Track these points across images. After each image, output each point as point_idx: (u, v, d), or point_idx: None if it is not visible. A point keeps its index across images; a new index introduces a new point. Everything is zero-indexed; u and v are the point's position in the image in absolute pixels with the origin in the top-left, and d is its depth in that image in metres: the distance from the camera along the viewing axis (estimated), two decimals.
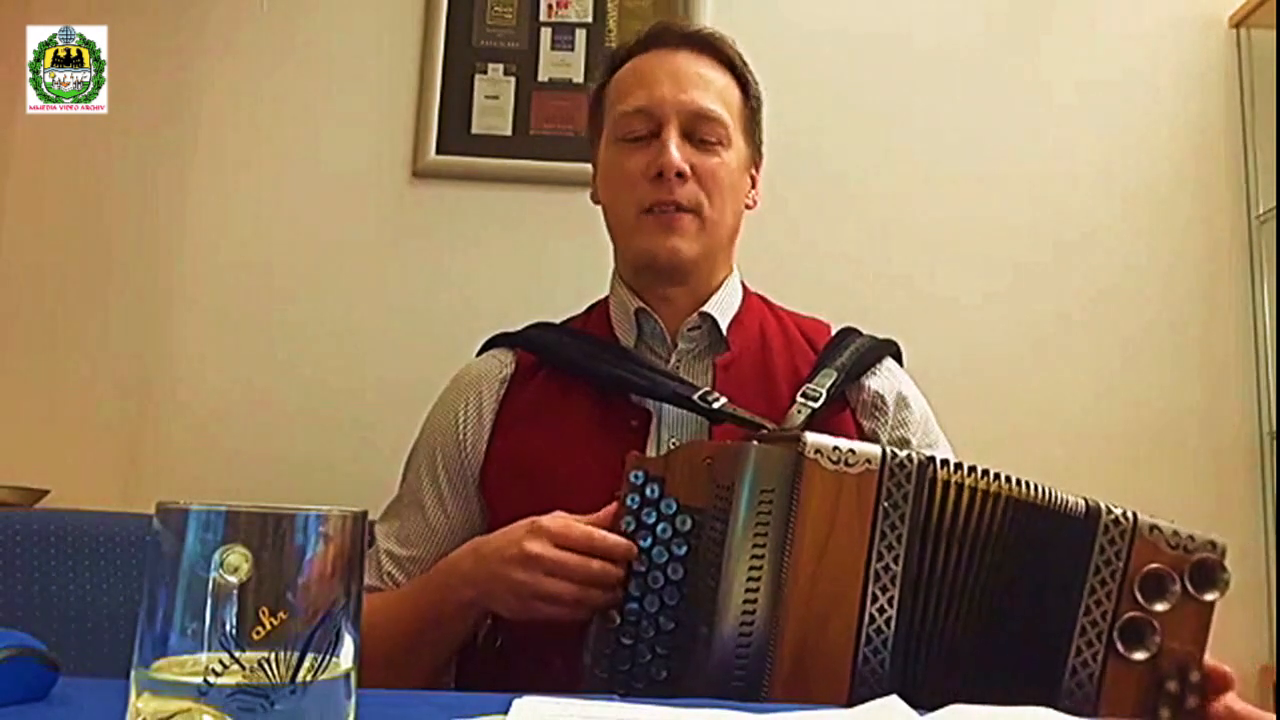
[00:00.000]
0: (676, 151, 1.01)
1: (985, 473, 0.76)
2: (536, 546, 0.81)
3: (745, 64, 1.11)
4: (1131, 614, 0.72)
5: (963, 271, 1.73)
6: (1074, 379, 1.70)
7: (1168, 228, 1.75)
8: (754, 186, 1.13)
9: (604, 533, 0.81)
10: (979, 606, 0.74)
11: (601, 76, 1.13)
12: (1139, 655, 0.71)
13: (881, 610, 0.72)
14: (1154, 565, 0.72)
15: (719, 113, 1.05)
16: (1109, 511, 0.74)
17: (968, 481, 0.75)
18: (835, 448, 0.74)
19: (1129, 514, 0.74)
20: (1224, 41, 1.80)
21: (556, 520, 0.83)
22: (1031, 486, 0.76)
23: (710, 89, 1.05)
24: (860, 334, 1.11)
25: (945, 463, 0.76)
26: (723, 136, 1.05)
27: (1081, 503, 0.75)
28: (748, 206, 1.11)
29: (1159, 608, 0.72)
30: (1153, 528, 0.73)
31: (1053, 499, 0.75)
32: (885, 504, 0.73)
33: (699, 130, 1.04)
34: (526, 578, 0.81)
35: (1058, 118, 1.78)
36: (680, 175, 1.01)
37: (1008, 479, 0.76)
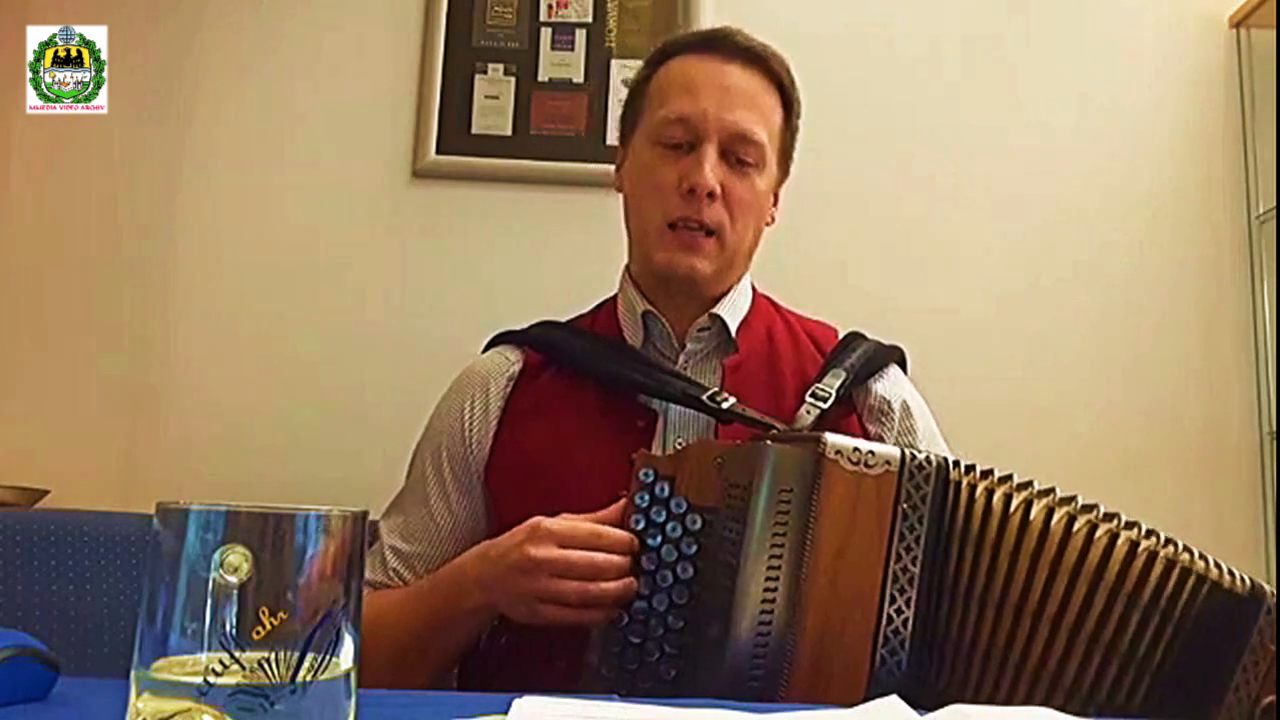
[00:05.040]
0: (711, 172, 1.00)
1: (1005, 478, 0.76)
2: (539, 550, 0.81)
3: (794, 83, 1.09)
4: (1271, 698, 0.71)
5: (961, 272, 1.73)
6: (1074, 379, 1.70)
7: (1168, 228, 1.75)
8: (775, 204, 1.13)
9: (606, 528, 0.81)
10: (1035, 620, 0.72)
11: (648, 66, 1.11)
12: None
13: (899, 611, 0.72)
14: None
15: (759, 136, 1.04)
16: (1274, 593, 0.72)
17: (982, 485, 0.75)
18: (855, 448, 0.74)
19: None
20: (1224, 41, 1.80)
21: (559, 521, 0.82)
22: (1095, 510, 0.74)
23: (755, 110, 1.04)
24: (866, 339, 1.11)
25: (959, 464, 0.76)
26: (759, 159, 1.04)
27: (1247, 582, 0.73)
28: (766, 224, 1.11)
29: None
30: None
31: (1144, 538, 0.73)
32: (904, 505, 0.73)
33: (737, 150, 1.03)
34: (533, 583, 0.81)
35: (1057, 118, 1.77)
36: (711, 194, 1.01)
37: (1026, 485, 0.75)
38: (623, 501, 0.83)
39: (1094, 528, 0.73)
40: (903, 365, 1.13)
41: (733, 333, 1.07)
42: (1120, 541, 0.72)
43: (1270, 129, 1.71)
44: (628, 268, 1.13)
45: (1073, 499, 0.75)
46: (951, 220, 1.74)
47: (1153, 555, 0.72)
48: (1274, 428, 1.66)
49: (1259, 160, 1.74)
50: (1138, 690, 0.71)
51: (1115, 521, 0.73)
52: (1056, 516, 0.73)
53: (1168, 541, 0.73)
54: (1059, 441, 1.65)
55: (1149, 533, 0.73)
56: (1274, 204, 1.69)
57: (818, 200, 1.71)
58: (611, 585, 0.79)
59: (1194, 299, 1.73)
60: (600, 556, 0.79)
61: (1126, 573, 0.72)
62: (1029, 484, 0.75)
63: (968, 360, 1.67)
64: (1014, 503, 0.74)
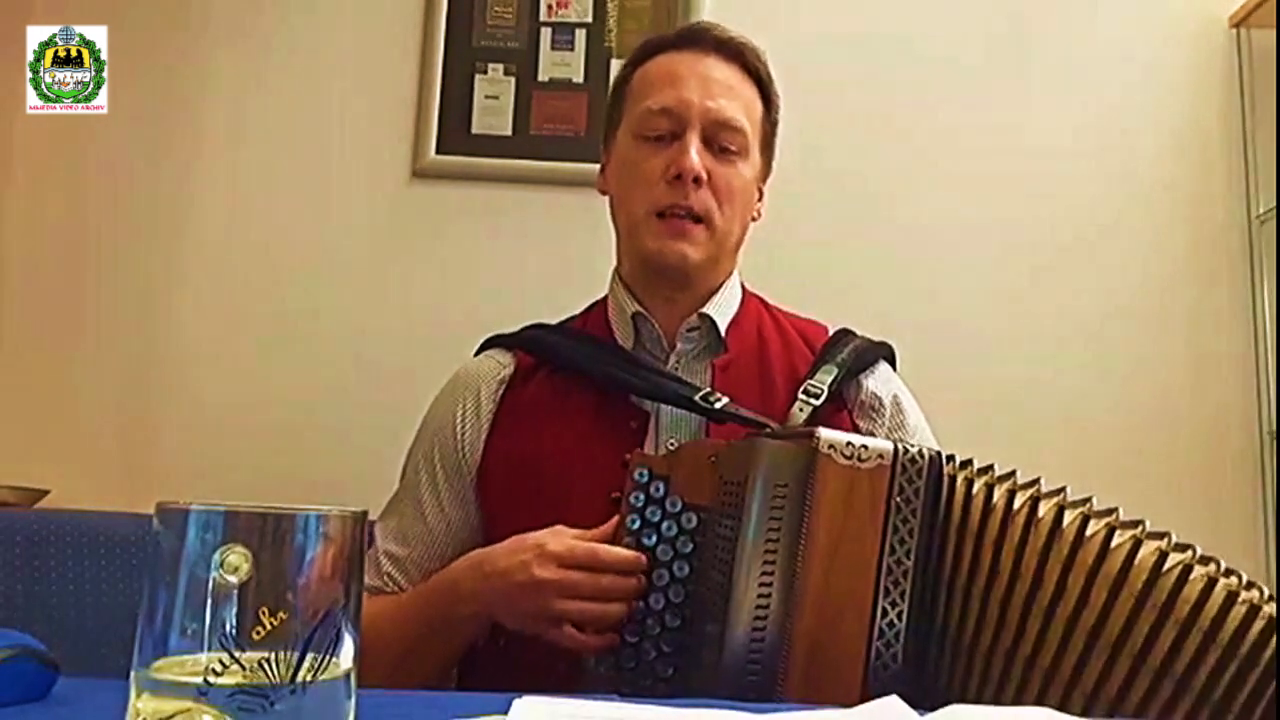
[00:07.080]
0: (697, 156, 1.01)
1: (1006, 475, 0.75)
2: (544, 572, 0.81)
3: (771, 79, 1.11)
4: None
5: (962, 272, 1.73)
6: (1073, 378, 1.70)
7: (1168, 227, 1.75)
8: (760, 199, 1.13)
9: (610, 548, 0.81)
10: (1036, 618, 0.70)
11: (628, 66, 1.12)
12: None
13: (894, 604, 0.72)
14: None
15: (741, 123, 1.05)
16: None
17: (981, 481, 0.74)
18: (848, 443, 0.74)
19: None
20: (1224, 41, 1.80)
21: (560, 541, 0.83)
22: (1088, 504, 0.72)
23: (736, 99, 1.05)
24: (856, 335, 1.12)
25: (951, 458, 0.75)
26: (742, 146, 1.05)
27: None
28: (753, 218, 1.12)
29: None
30: None
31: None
32: (897, 499, 0.73)
33: (720, 138, 1.04)
34: (539, 604, 0.81)
35: (1056, 117, 1.77)
36: (697, 180, 1.01)
37: (1032, 483, 0.74)
38: (616, 519, 0.83)
39: (1112, 530, 0.70)
40: (891, 362, 1.14)
41: (722, 332, 1.07)
42: (1146, 550, 0.69)
43: (1270, 128, 1.71)
44: (617, 270, 1.13)
45: (1086, 500, 0.73)
46: (949, 219, 1.74)
47: (1187, 569, 0.68)
48: (1274, 428, 1.66)
49: (1259, 160, 1.74)
50: (1176, 706, 0.66)
51: (1139, 528, 0.70)
52: (1069, 517, 0.71)
53: (1206, 559, 0.69)
54: (1058, 441, 1.65)
55: (1181, 546, 0.70)
56: (1274, 204, 1.69)
57: (812, 198, 1.71)
58: (615, 607, 0.79)
59: (1194, 299, 1.73)
60: (606, 579, 0.80)
61: (1155, 582, 0.68)
62: (1035, 482, 0.74)
63: (964, 360, 1.67)
64: (1018, 500, 0.73)
